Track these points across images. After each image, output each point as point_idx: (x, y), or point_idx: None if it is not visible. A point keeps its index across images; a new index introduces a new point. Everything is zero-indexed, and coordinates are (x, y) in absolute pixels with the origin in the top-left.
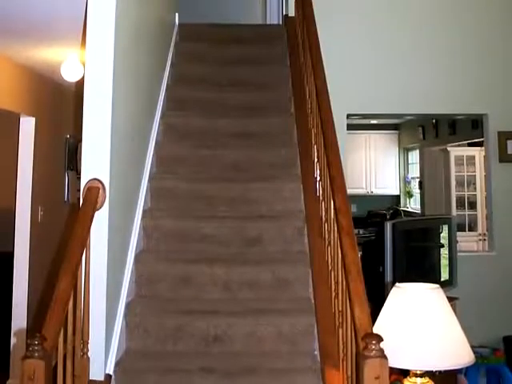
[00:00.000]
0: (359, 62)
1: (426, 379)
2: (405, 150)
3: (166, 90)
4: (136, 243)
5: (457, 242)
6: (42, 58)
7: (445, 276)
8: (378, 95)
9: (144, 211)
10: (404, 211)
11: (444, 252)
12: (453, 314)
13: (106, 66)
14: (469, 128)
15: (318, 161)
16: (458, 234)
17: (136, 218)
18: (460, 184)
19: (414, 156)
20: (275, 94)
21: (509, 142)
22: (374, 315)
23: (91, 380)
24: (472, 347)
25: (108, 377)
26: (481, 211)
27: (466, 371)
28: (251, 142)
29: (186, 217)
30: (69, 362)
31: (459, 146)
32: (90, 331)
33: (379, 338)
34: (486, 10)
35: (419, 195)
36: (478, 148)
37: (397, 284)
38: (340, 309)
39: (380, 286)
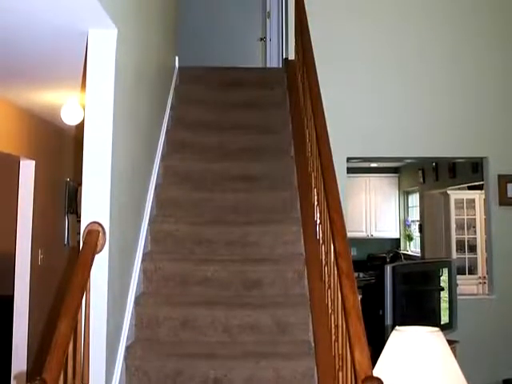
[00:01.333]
0: (359, 106)
1: None
2: (405, 193)
3: (166, 132)
4: (136, 286)
5: (457, 285)
6: (42, 101)
7: (445, 319)
8: (378, 138)
9: (144, 254)
10: (404, 254)
11: (444, 295)
12: (453, 357)
13: (105, 109)
14: (469, 171)
15: (318, 204)
16: (458, 277)
17: (136, 261)
18: (460, 227)
19: (414, 199)
20: (275, 138)
21: (509, 185)
22: (374, 358)
23: None
24: None
25: None
26: (481, 254)
27: None
28: (251, 185)
29: (186, 260)
30: None
31: (459, 189)
32: (90, 374)
33: (379, 382)
34: (486, 53)
35: (419, 238)
36: (478, 191)
37: (397, 327)
38: (340, 352)
39: (380, 329)
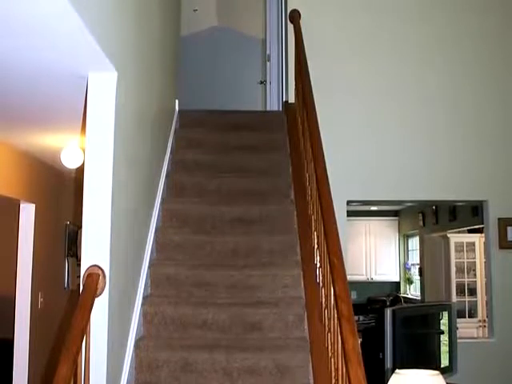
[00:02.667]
0: (359, 149)
1: None
2: (405, 237)
3: (166, 176)
4: (136, 329)
5: (457, 328)
6: (42, 144)
7: (445, 362)
8: (378, 182)
9: (144, 297)
10: (404, 298)
11: (444, 338)
12: None
13: (105, 152)
14: (469, 214)
15: (317, 247)
16: (458, 320)
17: (136, 305)
18: (460, 270)
19: (414, 242)
20: (275, 181)
21: (509, 228)
22: None
23: None
24: None
25: None
26: (481, 297)
27: None
28: (251, 228)
29: (187, 303)
30: None
31: (459, 232)
32: None
33: None
34: (486, 98)
35: (419, 281)
36: (478, 234)
37: (397, 370)
38: None
39: (380, 373)
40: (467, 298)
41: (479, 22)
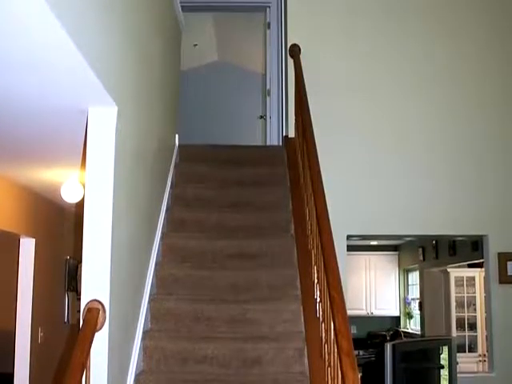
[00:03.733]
0: (359, 184)
1: None
2: (405, 271)
3: (166, 210)
4: (136, 364)
5: (457, 363)
6: (42, 179)
7: None
8: (378, 217)
9: (144, 332)
10: (404, 332)
11: (444, 373)
12: None
13: (105, 187)
14: (469, 249)
15: (318, 282)
16: (458, 354)
17: (136, 339)
18: (460, 305)
19: (414, 277)
20: (275, 215)
21: (509, 263)
22: None
23: None
24: None
25: None
26: (481, 332)
27: None
28: (251, 263)
29: (187, 338)
30: None
31: (459, 266)
32: None
33: None
34: (485, 133)
35: (419, 316)
36: (478, 269)
37: None
38: None
39: None
40: (467, 333)
41: (481, 58)
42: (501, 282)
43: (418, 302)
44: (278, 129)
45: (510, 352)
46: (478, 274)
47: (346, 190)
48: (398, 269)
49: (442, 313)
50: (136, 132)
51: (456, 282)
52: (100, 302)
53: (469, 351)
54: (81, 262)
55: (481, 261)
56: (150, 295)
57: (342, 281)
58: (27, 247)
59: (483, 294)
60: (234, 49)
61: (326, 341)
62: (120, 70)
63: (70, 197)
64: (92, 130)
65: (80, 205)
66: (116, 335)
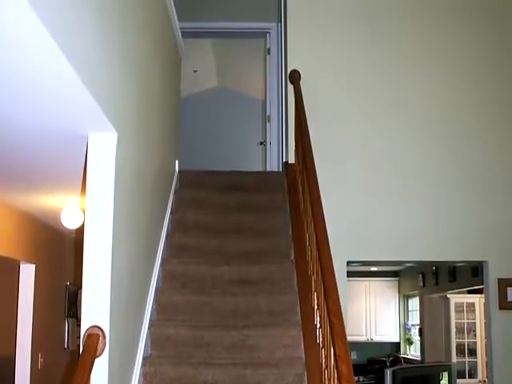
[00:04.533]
0: (359, 210)
1: None
2: (405, 297)
3: (166, 236)
4: None
5: None
6: (42, 205)
7: None
8: (378, 242)
9: (144, 358)
10: (404, 358)
11: None
12: None
13: (105, 213)
14: (469, 275)
15: (317, 308)
16: (458, 381)
17: (136, 365)
18: (460, 331)
19: (414, 303)
20: (275, 241)
21: (509, 289)
22: None
23: None
24: None
25: None
26: (481, 358)
27: None
28: (251, 289)
29: (187, 364)
30: None
31: (459, 292)
32: None
33: None
34: (486, 157)
35: (419, 342)
36: (478, 295)
37: None
38: None
39: None
40: (467, 359)
41: (479, 80)
42: (501, 307)
43: (418, 327)
44: (278, 155)
45: (511, 378)
46: (477, 299)
47: (345, 216)
48: (398, 295)
49: (442, 339)
50: (136, 158)
51: (456, 307)
52: (100, 328)
53: (469, 377)
54: (81, 287)
55: (481, 287)
56: (150, 321)
57: (342, 307)
58: (27, 273)
59: (483, 320)
60: (233, 75)
61: (326, 366)
62: (120, 96)
63: (70, 223)
64: (92, 156)
65: (80, 231)
66: (116, 361)
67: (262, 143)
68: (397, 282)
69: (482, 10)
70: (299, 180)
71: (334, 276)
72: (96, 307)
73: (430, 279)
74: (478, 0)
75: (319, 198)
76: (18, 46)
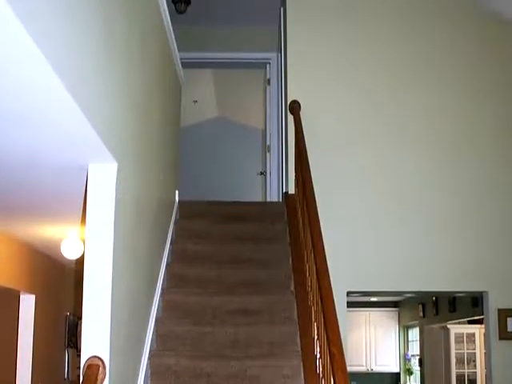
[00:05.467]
0: (359, 240)
1: None
2: (405, 328)
3: (166, 266)
4: None
5: None
6: (42, 235)
7: None
8: (378, 273)
9: None
10: None
11: None
12: None
13: (105, 243)
14: (469, 305)
15: (318, 338)
16: None
17: None
18: (460, 361)
19: (414, 333)
20: (275, 272)
21: (509, 319)
22: None
23: None
24: None
25: None
26: None
27: None
28: (251, 319)
29: None
30: None
31: (459, 323)
32: None
33: None
34: (484, 188)
35: (419, 372)
36: (478, 325)
37: None
38: None
39: None
40: None
41: (479, 109)
42: (501, 338)
43: (418, 358)
44: (277, 185)
45: None
46: (478, 330)
47: (345, 247)
48: (398, 325)
49: (442, 369)
50: (136, 188)
51: (456, 338)
52: (100, 359)
53: None
54: (81, 318)
55: (481, 317)
56: (150, 351)
57: (342, 337)
58: (27, 303)
59: (483, 351)
60: (233, 105)
61: None
62: (120, 126)
63: (70, 253)
64: (92, 187)
65: (80, 261)
66: None
67: (262, 173)
68: (397, 313)
69: (483, 40)
70: (299, 210)
71: (334, 306)
72: (96, 337)
73: (430, 309)
74: (479, 31)
75: (319, 228)
76: (20, 78)
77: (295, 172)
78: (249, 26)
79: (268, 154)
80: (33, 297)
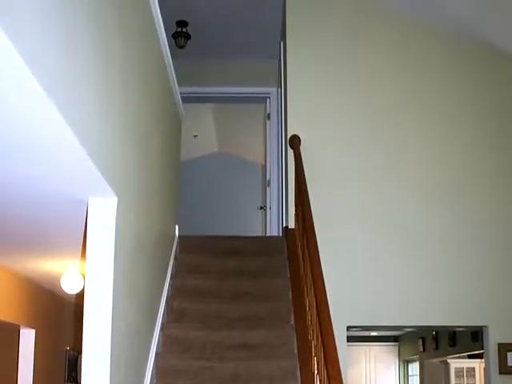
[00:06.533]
0: (359, 275)
1: None
2: (405, 362)
3: (166, 301)
4: None
5: None
6: (42, 269)
7: None
8: (378, 308)
9: None
10: None
11: None
12: None
13: (105, 278)
14: (469, 340)
15: (318, 373)
16: None
17: None
18: None
19: (415, 368)
20: (275, 306)
21: (509, 353)
22: None
23: None
24: None
25: None
26: None
27: None
28: (251, 354)
29: None
30: None
31: (459, 357)
32: None
33: None
34: (485, 223)
35: None
36: (478, 360)
37: None
38: None
39: None
40: None
41: (478, 139)
42: (501, 372)
43: None
44: (278, 219)
45: None
46: (478, 364)
47: (346, 281)
48: (397, 359)
49: None
50: (136, 223)
51: (456, 372)
52: None
53: None
54: (81, 352)
55: (481, 351)
56: None
57: (342, 371)
58: (27, 338)
59: None
60: (234, 139)
61: None
62: (120, 161)
63: (70, 288)
64: (92, 221)
65: (80, 296)
66: None
67: (262, 208)
68: (397, 347)
69: (487, 82)
70: (299, 245)
71: (334, 341)
72: (96, 372)
73: (429, 344)
74: (483, 73)
75: (319, 262)
76: (18, 111)
77: (295, 206)
78: (249, 61)
79: (268, 189)
80: (33, 331)
